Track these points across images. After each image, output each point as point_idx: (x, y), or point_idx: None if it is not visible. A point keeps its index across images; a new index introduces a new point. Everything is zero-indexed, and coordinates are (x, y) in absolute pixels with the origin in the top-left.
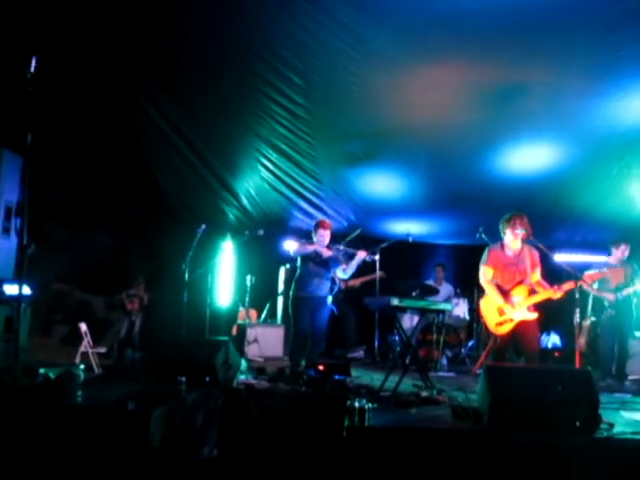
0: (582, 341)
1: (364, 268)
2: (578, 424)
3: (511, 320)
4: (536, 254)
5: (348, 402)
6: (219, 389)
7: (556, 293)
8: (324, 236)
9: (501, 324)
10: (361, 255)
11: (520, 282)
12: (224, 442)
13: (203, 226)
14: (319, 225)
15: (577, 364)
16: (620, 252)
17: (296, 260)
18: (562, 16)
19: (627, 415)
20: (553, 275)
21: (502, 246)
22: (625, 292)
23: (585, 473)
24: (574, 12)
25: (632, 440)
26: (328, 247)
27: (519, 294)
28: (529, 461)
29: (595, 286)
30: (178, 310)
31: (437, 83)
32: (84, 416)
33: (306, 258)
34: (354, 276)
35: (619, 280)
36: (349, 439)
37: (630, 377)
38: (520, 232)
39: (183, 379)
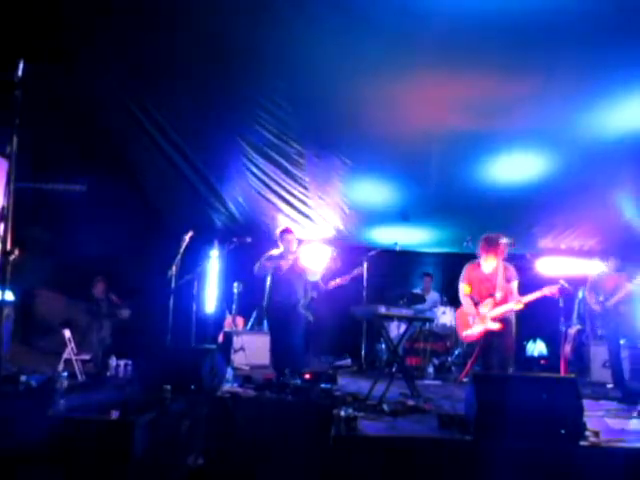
0: (568, 348)
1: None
2: (563, 432)
3: (477, 329)
4: (511, 270)
5: (334, 411)
6: (205, 397)
7: (517, 304)
8: (290, 242)
9: (468, 333)
10: (328, 256)
11: (489, 296)
12: (209, 451)
13: (190, 232)
14: (284, 232)
15: (562, 371)
16: (610, 264)
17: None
18: (547, 31)
19: (612, 422)
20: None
21: (478, 264)
22: (613, 300)
23: None
24: (559, 27)
25: (617, 448)
26: (292, 255)
27: (485, 306)
28: (515, 469)
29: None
30: (164, 317)
31: (424, 95)
32: (67, 425)
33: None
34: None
35: (610, 288)
36: (336, 448)
37: (610, 385)
38: (488, 257)
39: (168, 387)
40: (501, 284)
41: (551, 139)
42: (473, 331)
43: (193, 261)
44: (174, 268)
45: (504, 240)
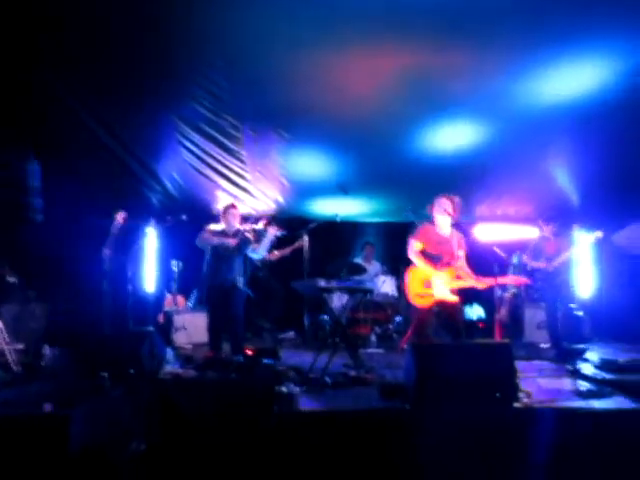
0: (503, 312)
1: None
2: (498, 395)
3: (431, 296)
4: (463, 238)
5: (277, 388)
6: (145, 381)
7: (479, 284)
8: (234, 218)
9: (421, 297)
10: (271, 232)
11: (449, 264)
12: (152, 435)
13: (122, 212)
14: (227, 208)
15: (498, 333)
16: (549, 229)
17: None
18: (481, 2)
19: (544, 383)
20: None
21: (434, 225)
22: (555, 262)
23: (506, 442)
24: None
25: (548, 408)
26: (236, 232)
27: (446, 275)
28: (453, 435)
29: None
30: (98, 301)
31: (360, 67)
32: None
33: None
34: (275, 249)
35: (551, 252)
36: (278, 425)
37: (543, 345)
38: (446, 215)
39: (105, 374)
40: (456, 253)
41: (486, 108)
42: (426, 301)
43: (129, 241)
44: (107, 250)
45: (458, 200)
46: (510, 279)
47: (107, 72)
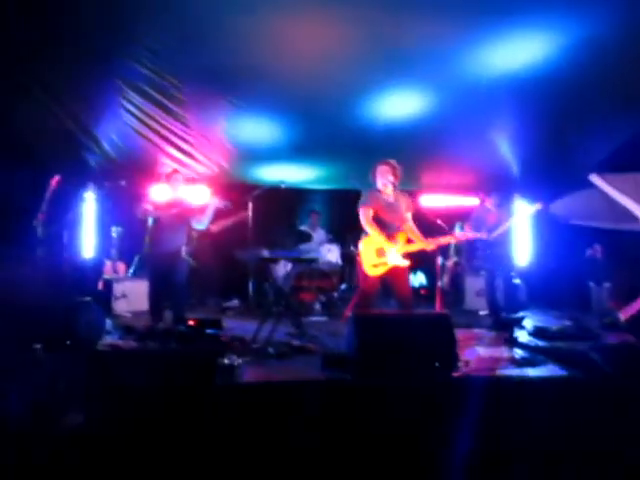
0: (445, 280)
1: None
2: (437, 364)
3: (385, 264)
4: (409, 199)
5: (219, 360)
6: (82, 353)
7: (430, 245)
8: (177, 184)
9: (376, 266)
10: (213, 203)
11: (399, 228)
12: (91, 408)
13: (56, 177)
14: (171, 174)
15: (439, 300)
16: (491, 201)
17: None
18: None
19: (482, 351)
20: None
21: (380, 190)
22: (495, 233)
23: (445, 411)
24: None
25: (485, 377)
26: (179, 200)
27: (398, 240)
28: (393, 405)
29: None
30: (31, 270)
31: (309, 29)
32: None
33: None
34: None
35: (492, 223)
36: (219, 398)
37: (482, 312)
38: (388, 182)
39: (39, 346)
40: (405, 216)
41: (434, 77)
42: (380, 270)
43: (64, 206)
44: (40, 216)
45: (397, 165)
46: (457, 235)
47: (39, 26)
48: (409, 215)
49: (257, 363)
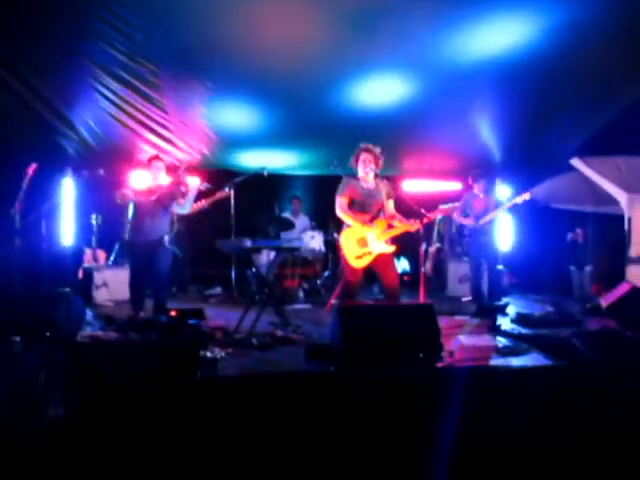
0: (428, 266)
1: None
2: (421, 355)
3: (370, 253)
4: (390, 186)
5: (200, 352)
6: (62, 345)
7: (414, 226)
8: (158, 170)
9: (360, 257)
10: (194, 186)
11: (378, 216)
12: (71, 400)
13: (33, 165)
14: (152, 160)
15: (422, 287)
16: (479, 186)
17: None
18: None
19: (466, 340)
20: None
21: (357, 179)
22: (483, 220)
23: (429, 402)
24: None
25: (469, 367)
26: (159, 186)
27: (378, 227)
28: (377, 397)
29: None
30: (10, 261)
31: (286, 13)
32: None
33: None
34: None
35: (479, 209)
36: (200, 391)
37: (465, 299)
38: (370, 169)
39: (17, 339)
40: (385, 202)
41: (414, 62)
42: (365, 261)
43: (42, 195)
44: (17, 205)
45: (379, 150)
46: (439, 211)
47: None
48: (391, 202)
49: (240, 355)
